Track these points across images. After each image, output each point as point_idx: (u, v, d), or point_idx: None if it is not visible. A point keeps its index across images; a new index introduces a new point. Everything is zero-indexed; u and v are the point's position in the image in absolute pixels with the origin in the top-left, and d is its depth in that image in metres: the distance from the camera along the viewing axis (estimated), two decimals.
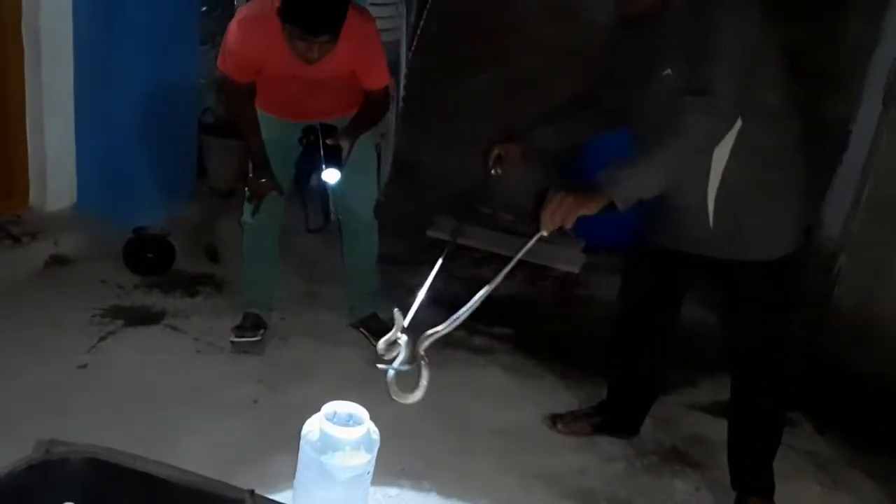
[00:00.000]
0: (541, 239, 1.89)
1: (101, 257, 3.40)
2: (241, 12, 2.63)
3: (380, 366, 1.79)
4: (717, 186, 2.04)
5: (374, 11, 3.29)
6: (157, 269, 3.40)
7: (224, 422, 2.50)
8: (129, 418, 2.42)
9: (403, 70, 4.29)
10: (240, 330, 2.95)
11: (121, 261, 3.38)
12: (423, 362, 1.79)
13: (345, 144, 2.60)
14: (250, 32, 2.54)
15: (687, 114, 1.85)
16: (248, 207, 2.85)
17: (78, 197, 3.69)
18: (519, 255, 1.90)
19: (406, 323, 1.83)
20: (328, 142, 2.58)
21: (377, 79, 2.73)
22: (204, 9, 3.89)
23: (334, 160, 2.58)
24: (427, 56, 4.33)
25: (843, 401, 3.03)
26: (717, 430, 2.57)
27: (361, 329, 3.10)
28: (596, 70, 2.32)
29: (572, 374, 3.03)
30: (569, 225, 1.87)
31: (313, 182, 2.75)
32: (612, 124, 2.26)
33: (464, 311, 1.81)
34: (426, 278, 1.96)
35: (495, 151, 2.28)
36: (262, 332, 2.96)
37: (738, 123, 1.95)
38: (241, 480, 1.54)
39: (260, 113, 2.76)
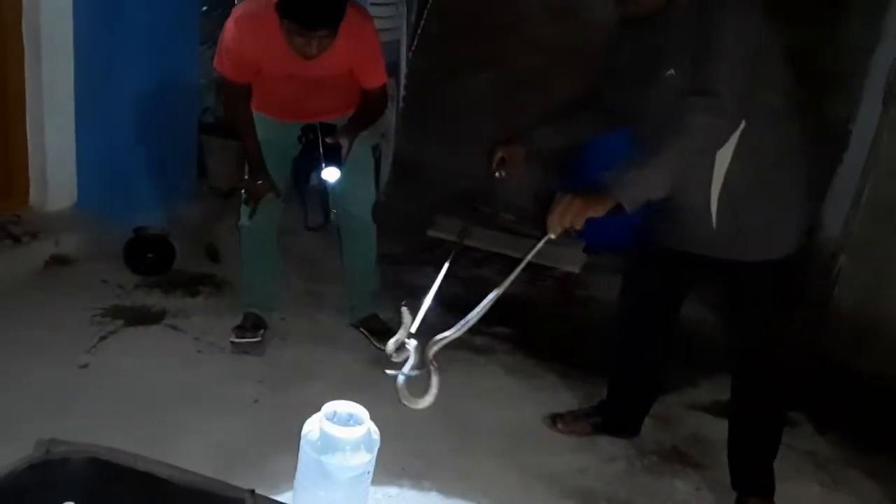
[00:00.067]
0: (548, 241, 1.89)
1: (102, 257, 3.40)
2: (238, 10, 2.58)
3: (389, 371, 1.79)
4: (720, 187, 2.04)
5: (374, 11, 3.30)
6: (157, 268, 3.40)
7: (224, 421, 2.50)
8: (130, 418, 2.42)
9: (404, 70, 4.30)
10: (240, 330, 2.96)
11: (121, 261, 3.38)
12: (432, 367, 1.79)
13: (344, 143, 2.59)
14: (247, 30, 2.52)
15: (691, 115, 1.85)
16: (245, 210, 2.84)
17: (78, 197, 3.69)
18: (527, 259, 1.89)
19: (414, 328, 1.82)
20: (328, 140, 2.57)
21: (375, 77, 2.72)
22: (204, 9, 3.89)
23: (334, 159, 2.57)
24: (427, 56, 4.34)
25: (843, 401, 3.03)
26: (718, 430, 2.57)
27: (362, 329, 3.10)
28: (596, 70, 2.32)
29: (572, 373, 3.03)
30: (578, 227, 1.87)
31: (313, 181, 2.75)
32: (613, 124, 2.25)
33: (472, 316, 1.81)
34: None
35: (498, 154, 2.27)
36: (262, 332, 2.96)
37: (742, 124, 1.95)
38: (242, 480, 1.54)
39: (256, 114, 2.73)
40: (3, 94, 3.43)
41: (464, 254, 3.72)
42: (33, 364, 2.63)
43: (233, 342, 2.92)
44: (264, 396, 2.69)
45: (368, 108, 2.74)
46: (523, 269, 1.87)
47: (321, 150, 2.56)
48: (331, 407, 1.79)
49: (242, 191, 2.80)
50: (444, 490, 2.34)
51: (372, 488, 1.86)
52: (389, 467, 2.26)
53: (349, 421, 1.78)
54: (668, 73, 1.94)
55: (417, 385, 1.78)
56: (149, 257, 3.40)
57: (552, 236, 1.88)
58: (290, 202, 2.99)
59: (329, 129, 2.61)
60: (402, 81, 4.31)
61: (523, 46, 4.35)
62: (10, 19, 3.36)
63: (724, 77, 1.84)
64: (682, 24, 1.94)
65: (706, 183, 2.04)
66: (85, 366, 2.72)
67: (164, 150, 3.72)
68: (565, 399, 2.87)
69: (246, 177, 2.76)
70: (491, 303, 1.81)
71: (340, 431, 1.72)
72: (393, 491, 2.30)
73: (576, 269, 3.79)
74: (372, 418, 1.80)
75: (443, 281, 1.96)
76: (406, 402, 1.79)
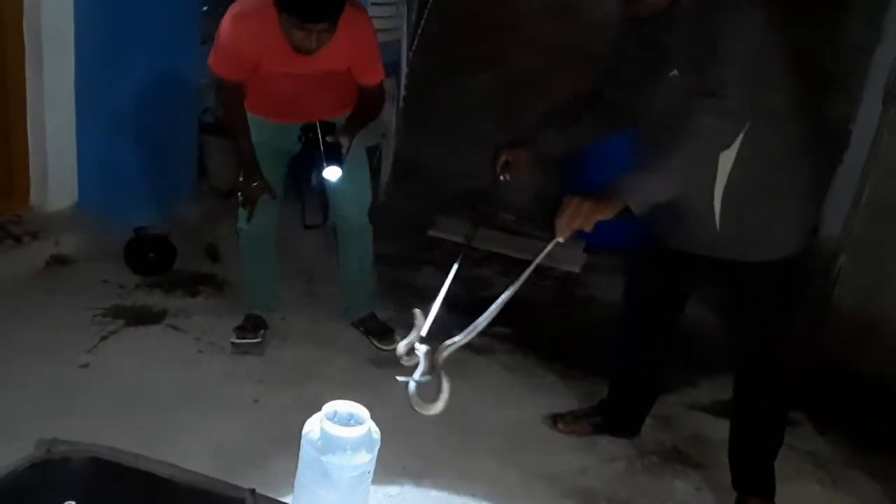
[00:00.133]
0: (556, 245, 1.89)
1: (102, 257, 3.40)
2: (235, 7, 2.55)
3: (399, 378, 1.79)
4: (723, 188, 2.04)
5: (374, 11, 3.30)
6: (157, 268, 3.40)
7: (224, 421, 2.50)
8: (130, 418, 2.42)
9: (404, 70, 4.30)
10: (241, 331, 2.96)
11: (122, 260, 3.38)
12: (442, 373, 1.78)
13: (344, 141, 2.58)
14: (245, 27, 2.49)
15: (701, 117, 1.85)
16: (242, 214, 2.83)
17: (79, 196, 3.69)
18: (535, 262, 1.89)
19: (425, 332, 1.82)
20: (328, 139, 2.56)
21: (373, 74, 2.71)
22: (205, 8, 3.89)
23: (335, 157, 2.56)
24: (427, 56, 4.34)
25: (843, 401, 3.03)
26: (718, 429, 2.58)
27: (361, 329, 3.10)
28: (598, 70, 2.32)
29: (572, 373, 3.03)
30: (587, 230, 1.86)
31: (313, 181, 2.74)
32: (615, 125, 2.25)
33: (481, 321, 1.81)
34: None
35: (503, 158, 2.26)
36: (262, 332, 2.97)
37: (745, 125, 1.95)
38: (242, 480, 1.54)
39: (250, 116, 2.71)
40: (4, 94, 3.42)
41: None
42: (34, 364, 2.64)
43: (233, 343, 2.92)
44: (264, 396, 2.69)
45: (367, 105, 2.73)
46: (523, 270, 1.87)
47: (322, 150, 2.55)
48: (331, 407, 1.78)
49: (238, 194, 2.79)
50: (445, 490, 2.34)
51: (372, 488, 1.86)
52: (390, 467, 2.27)
53: (350, 421, 1.77)
54: (672, 73, 1.94)
55: (426, 390, 1.78)
56: (149, 257, 3.40)
57: (561, 240, 1.88)
58: (285, 204, 2.98)
59: (329, 128, 2.59)
60: (403, 81, 4.31)
61: (523, 46, 4.35)
62: (11, 19, 3.35)
63: (730, 78, 1.84)
64: (686, 25, 1.94)
65: (710, 184, 2.04)
66: (85, 365, 2.72)
67: (164, 150, 3.72)
68: (565, 399, 2.87)
69: (240, 179, 2.73)
70: (500, 307, 1.81)
71: (341, 431, 1.72)
72: (393, 491, 2.31)
73: (576, 269, 3.79)
74: (372, 418, 1.80)
75: (443, 281, 1.96)
76: (417, 409, 1.78)
